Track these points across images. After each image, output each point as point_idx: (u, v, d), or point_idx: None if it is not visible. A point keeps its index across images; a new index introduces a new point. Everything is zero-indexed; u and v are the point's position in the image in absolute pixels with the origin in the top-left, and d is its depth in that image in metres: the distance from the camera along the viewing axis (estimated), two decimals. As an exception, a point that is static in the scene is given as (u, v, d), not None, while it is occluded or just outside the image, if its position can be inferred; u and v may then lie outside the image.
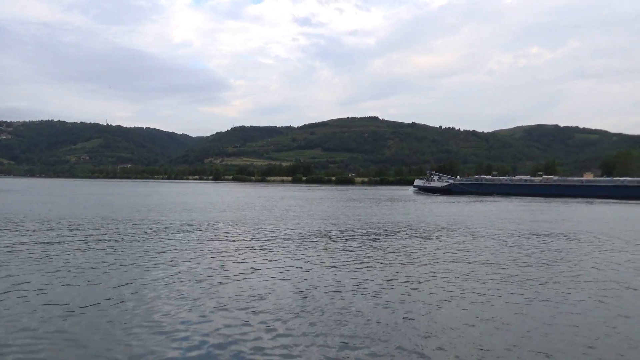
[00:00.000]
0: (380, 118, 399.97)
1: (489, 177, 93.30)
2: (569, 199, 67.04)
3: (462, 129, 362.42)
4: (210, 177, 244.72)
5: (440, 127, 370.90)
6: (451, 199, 68.42)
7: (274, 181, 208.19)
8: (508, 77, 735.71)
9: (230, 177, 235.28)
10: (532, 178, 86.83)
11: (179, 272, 14.27)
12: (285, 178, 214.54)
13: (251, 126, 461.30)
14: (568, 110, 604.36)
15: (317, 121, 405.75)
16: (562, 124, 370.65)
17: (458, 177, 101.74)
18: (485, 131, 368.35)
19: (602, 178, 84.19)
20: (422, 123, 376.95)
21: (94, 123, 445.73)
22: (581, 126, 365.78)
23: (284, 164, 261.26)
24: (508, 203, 57.44)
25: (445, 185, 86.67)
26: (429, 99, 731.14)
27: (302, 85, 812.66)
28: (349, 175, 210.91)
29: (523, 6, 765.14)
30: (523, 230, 27.65)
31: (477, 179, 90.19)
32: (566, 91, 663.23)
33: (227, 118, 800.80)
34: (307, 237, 23.05)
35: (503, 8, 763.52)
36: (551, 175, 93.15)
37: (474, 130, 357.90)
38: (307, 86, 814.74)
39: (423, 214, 38.91)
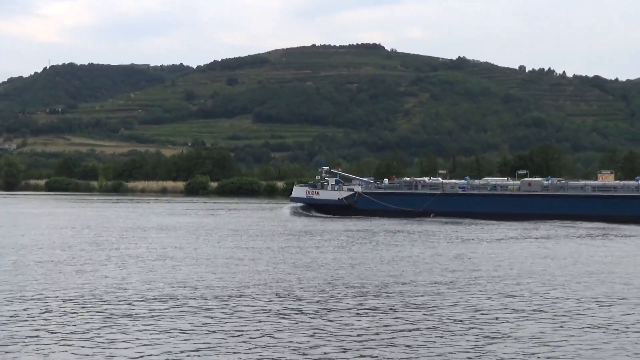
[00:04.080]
0: (388, 48, 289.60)
1: (428, 180, 75.44)
2: (575, 224, 54.32)
3: (570, 74, 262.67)
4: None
5: (522, 68, 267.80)
6: (349, 224, 54.49)
7: (144, 191, 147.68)
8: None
9: (43, 184, 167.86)
10: (506, 183, 71.58)
11: None
12: (171, 184, 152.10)
13: (90, 64, 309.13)
14: None
15: (244, 54, 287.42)
16: None
17: (386, 180, 79.74)
18: (621, 79, 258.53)
19: (632, 182, 66.53)
20: (481, 60, 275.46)
21: None
22: None
23: (168, 151, 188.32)
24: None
25: (345, 197, 70.28)
26: (493, 6, 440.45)
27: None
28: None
29: None
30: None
31: (407, 185, 73.85)
32: None
33: (33, 45, 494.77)
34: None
35: None
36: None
37: (596, 77, 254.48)
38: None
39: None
